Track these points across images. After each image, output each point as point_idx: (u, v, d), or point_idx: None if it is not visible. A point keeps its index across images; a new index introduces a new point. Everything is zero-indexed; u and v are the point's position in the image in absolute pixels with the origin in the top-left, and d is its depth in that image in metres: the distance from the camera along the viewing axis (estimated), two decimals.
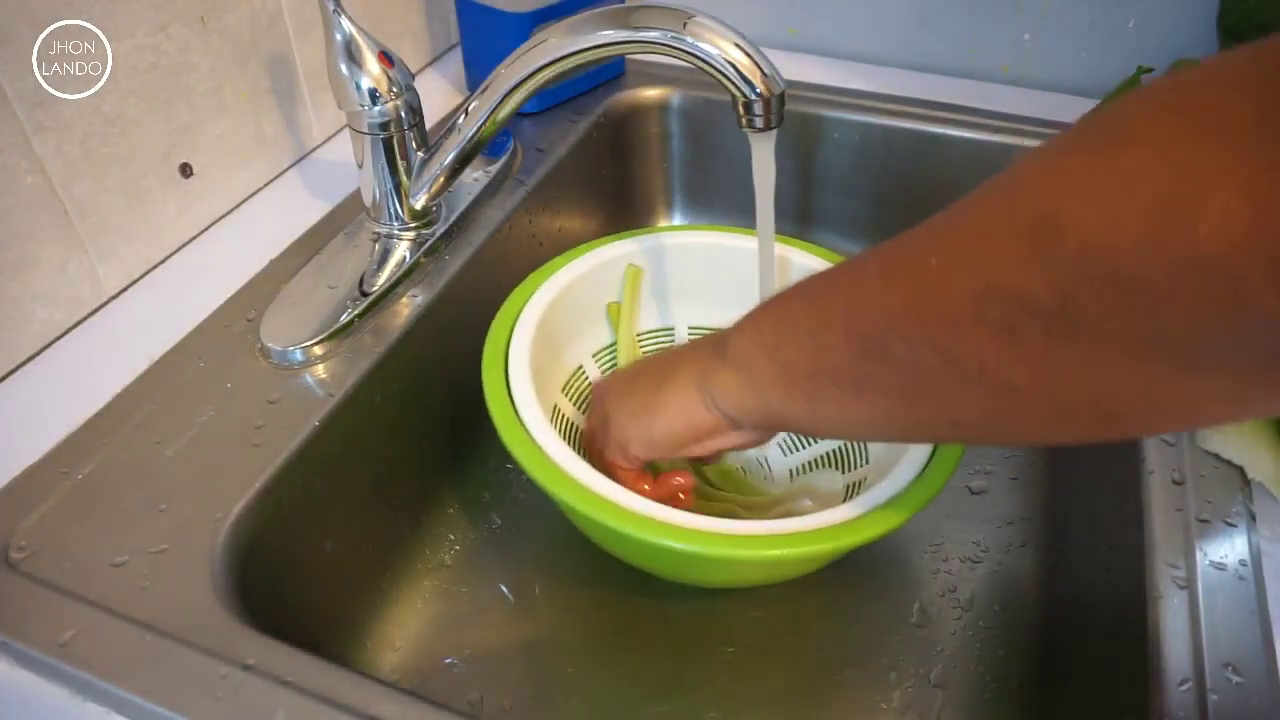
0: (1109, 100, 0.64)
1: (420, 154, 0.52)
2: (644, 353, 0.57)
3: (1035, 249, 0.23)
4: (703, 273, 0.56)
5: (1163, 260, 0.20)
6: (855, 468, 0.50)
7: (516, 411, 0.42)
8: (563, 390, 0.53)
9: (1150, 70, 0.64)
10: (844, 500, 0.43)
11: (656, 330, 0.57)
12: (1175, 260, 0.20)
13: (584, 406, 0.54)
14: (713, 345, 0.39)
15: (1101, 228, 0.21)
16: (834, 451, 0.52)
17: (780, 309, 0.35)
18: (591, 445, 0.45)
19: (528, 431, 0.41)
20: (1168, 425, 0.29)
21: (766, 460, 0.54)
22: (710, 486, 0.53)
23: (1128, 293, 0.21)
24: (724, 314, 0.56)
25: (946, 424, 0.30)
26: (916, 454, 0.41)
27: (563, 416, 0.51)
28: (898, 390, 0.29)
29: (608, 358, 0.56)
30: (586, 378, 0.55)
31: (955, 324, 0.26)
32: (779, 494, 0.51)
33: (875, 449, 0.49)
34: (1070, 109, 0.67)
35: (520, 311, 0.48)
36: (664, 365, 0.42)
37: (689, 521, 0.37)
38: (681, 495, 0.44)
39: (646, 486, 0.43)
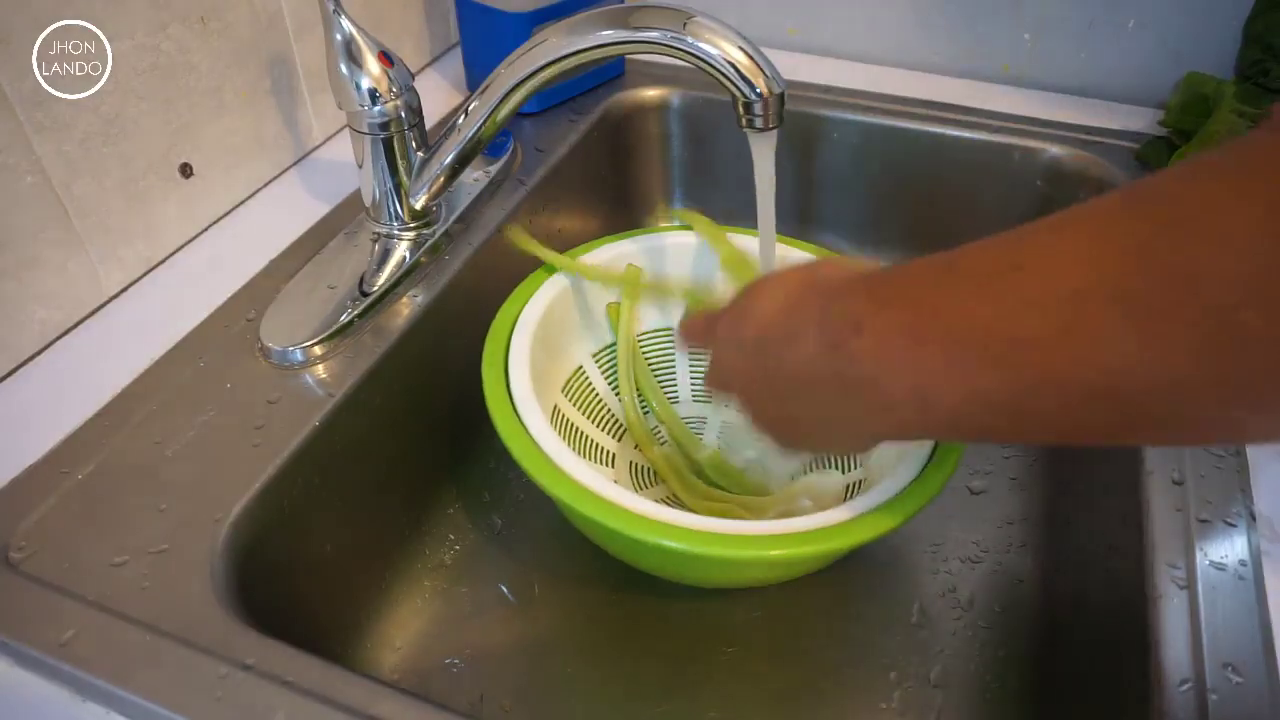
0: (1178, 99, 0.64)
1: (420, 154, 0.52)
2: (643, 353, 0.57)
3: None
4: (703, 273, 0.56)
5: None
6: (855, 468, 0.50)
7: (516, 411, 0.42)
8: (562, 390, 0.53)
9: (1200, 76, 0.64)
10: (844, 500, 0.43)
11: (656, 330, 0.57)
12: None
13: (584, 407, 0.54)
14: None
15: None
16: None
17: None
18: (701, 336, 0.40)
19: (528, 432, 0.41)
20: None
21: (765, 460, 0.54)
22: (711, 486, 0.53)
23: None
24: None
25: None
26: (916, 455, 0.41)
27: (562, 417, 0.51)
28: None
29: (608, 358, 0.56)
30: (587, 378, 0.55)
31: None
32: (779, 494, 0.51)
33: (875, 450, 0.48)
34: (1070, 109, 0.67)
35: (520, 312, 0.48)
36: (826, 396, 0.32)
37: (688, 521, 0.37)
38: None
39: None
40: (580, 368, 0.54)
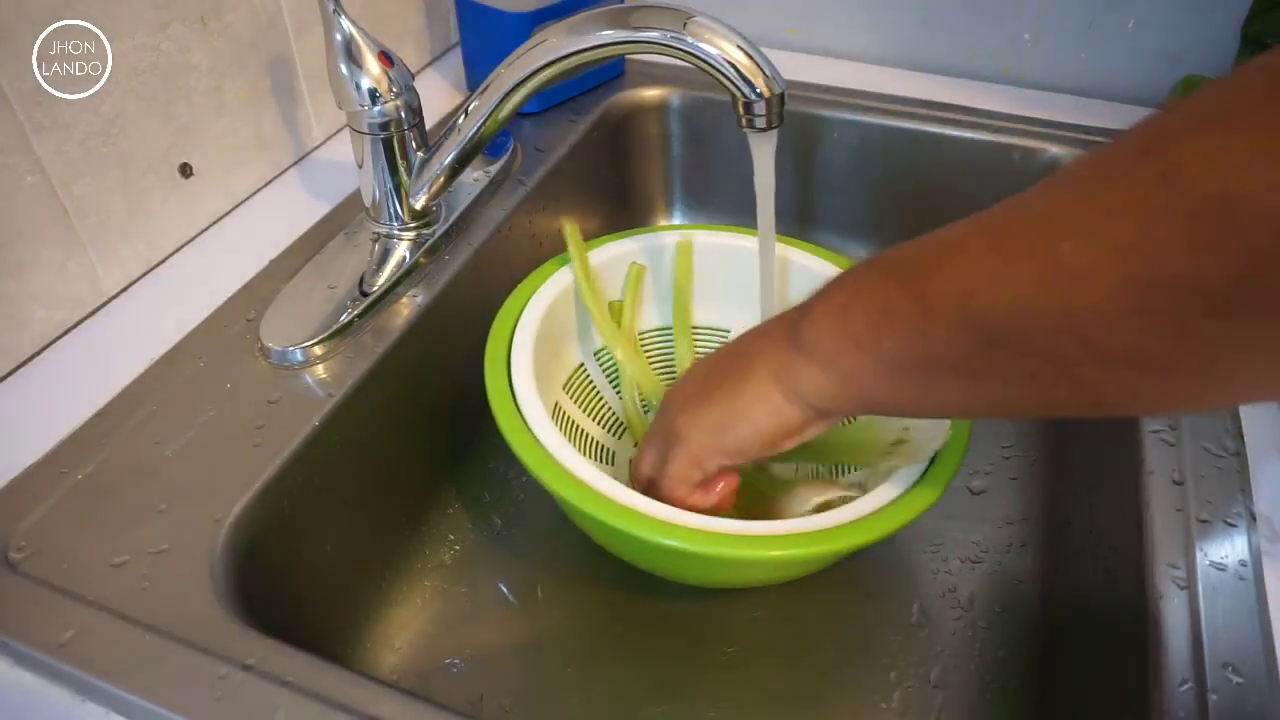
0: (1177, 100, 0.64)
1: (420, 154, 0.52)
2: (645, 351, 0.57)
3: (1214, 231, 0.21)
4: (703, 272, 0.56)
5: None
6: (851, 471, 0.50)
7: (519, 409, 0.42)
8: (564, 388, 0.53)
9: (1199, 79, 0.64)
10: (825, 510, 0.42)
11: (657, 329, 0.57)
12: None
13: (585, 406, 0.54)
14: (785, 336, 0.35)
15: None
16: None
17: (865, 291, 0.32)
18: (646, 479, 0.42)
19: (530, 428, 0.41)
20: None
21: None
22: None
23: None
24: (724, 314, 0.57)
25: (1085, 405, 0.28)
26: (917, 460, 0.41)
27: (563, 414, 0.51)
28: (1030, 378, 0.27)
29: (609, 357, 0.56)
30: (588, 376, 0.55)
31: (1107, 314, 0.24)
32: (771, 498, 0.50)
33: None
34: (1070, 109, 0.67)
35: (523, 309, 0.48)
36: (733, 368, 0.38)
37: (689, 520, 0.37)
38: (728, 495, 0.41)
39: (698, 499, 0.41)
40: (581, 365, 0.54)
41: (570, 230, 0.51)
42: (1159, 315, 0.23)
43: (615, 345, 0.52)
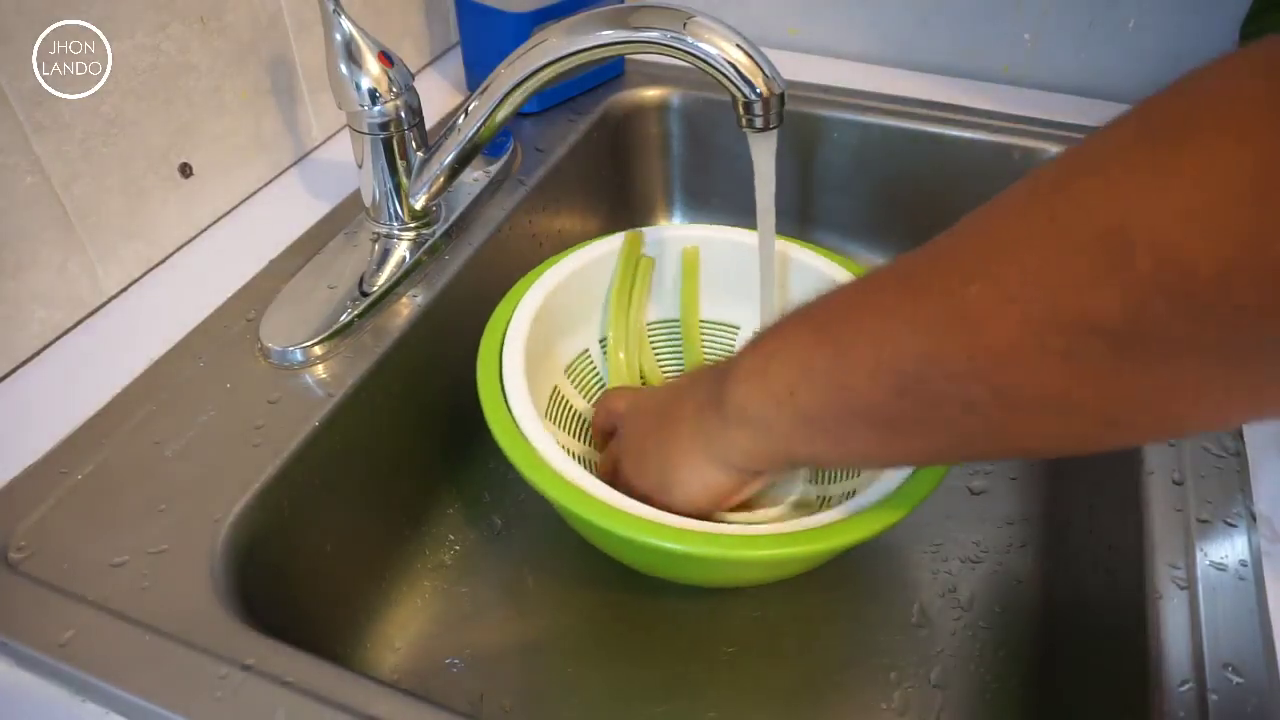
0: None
1: (420, 154, 0.52)
2: (652, 342, 0.57)
3: (1103, 268, 0.21)
4: (712, 269, 0.56)
5: (1254, 268, 0.18)
6: (850, 476, 0.50)
7: (511, 413, 0.42)
8: (565, 372, 0.53)
9: None
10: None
11: (665, 320, 0.57)
12: (1269, 267, 0.18)
13: (585, 391, 0.54)
14: (710, 400, 0.35)
15: (1178, 237, 0.19)
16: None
17: (785, 347, 0.32)
18: (610, 471, 0.44)
19: (521, 431, 0.41)
20: (1239, 420, 0.27)
21: None
22: None
23: (1210, 304, 0.19)
24: (724, 310, 0.57)
25: (1005, 450, 0.28)
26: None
27: (561, 398, 0.51)
28: (943, 425, 0.27)
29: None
30: (591, 362, 0.55)
31: (1011, 356, 0.24)
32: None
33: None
34: (1070, 109, 0.67)
35: (515, 310, 0.48)
36: (666, 433, 0.39)
37: (679, 522, 0.37)
38: None
39: None
40: (586, 350, 0.54)
41: (631, 239, 0.53)
42: (1061, 355, 0.23)
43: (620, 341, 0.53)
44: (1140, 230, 0.20)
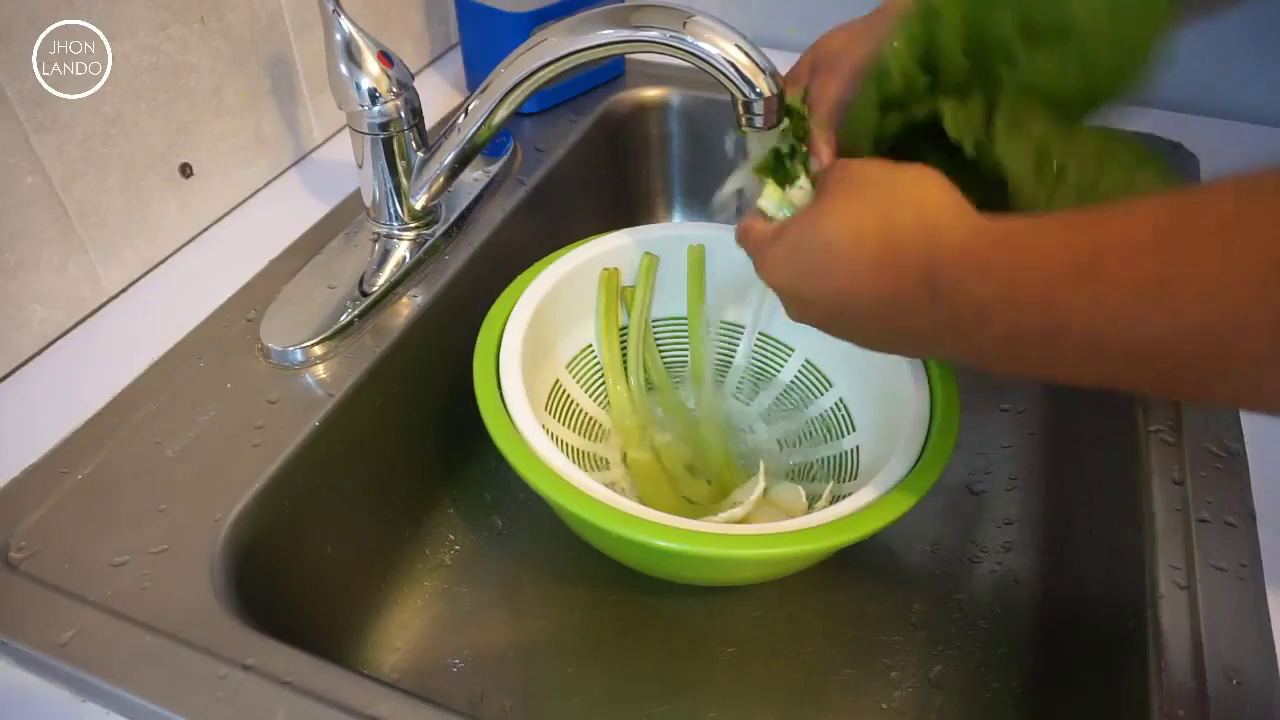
0: None
1: (420, 154, 0.52)
2: (656, 339, 0.57)
3: None
4: (719, 267, 0.56)
5: None
6: (849, 479, 0.49)
7: (508, 411, 0.42)
8: (567, 366, 0.53)
9: None
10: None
11: (671, 318, 0.57)
12: None
13: (586, 385, 0.54)
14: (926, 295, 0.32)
15: None
16: (826, 459, 0.51)
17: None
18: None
19: (518, 431, 0.41)
20: None
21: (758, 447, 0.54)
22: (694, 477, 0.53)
23: None
24: (723, 309, 0.57)
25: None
26: (904, 455, 0.41)
27: (562, 391, 0.51)
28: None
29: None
30: (594, 357, 0.55)
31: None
32: (747, 501, 0.50)
33: (865, 458, 0.48)
34: None
35: (512, 309, 0.48)
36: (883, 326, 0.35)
37: (675, 521, 0.37)
38: None
39: None
40: (590, 345, 0.54)
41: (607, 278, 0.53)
42: None
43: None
44: None
